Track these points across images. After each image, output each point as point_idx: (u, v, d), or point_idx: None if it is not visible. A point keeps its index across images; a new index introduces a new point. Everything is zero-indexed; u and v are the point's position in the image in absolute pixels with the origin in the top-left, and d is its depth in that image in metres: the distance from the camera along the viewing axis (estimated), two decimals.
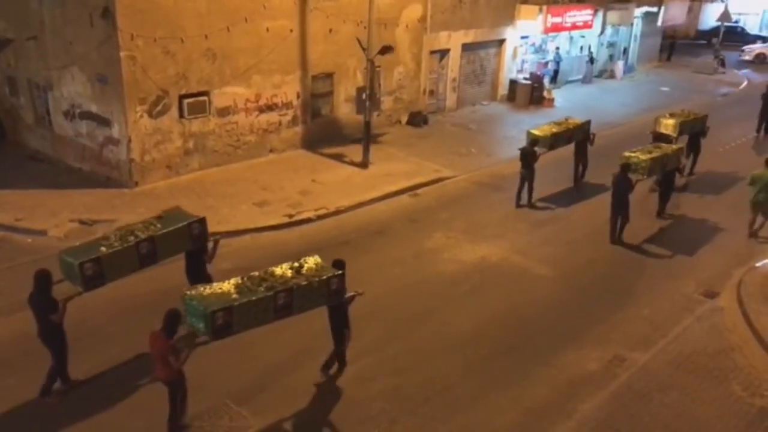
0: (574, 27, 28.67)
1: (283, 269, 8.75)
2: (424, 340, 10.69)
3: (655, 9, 34.59)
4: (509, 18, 25.79)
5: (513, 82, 26.82)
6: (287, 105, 18.78)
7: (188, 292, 8.24)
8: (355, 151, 18.70)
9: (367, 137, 18.15)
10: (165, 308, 8.24)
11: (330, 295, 8.81)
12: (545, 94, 26.68)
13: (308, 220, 14.97)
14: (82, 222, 13.97)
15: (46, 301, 8.73)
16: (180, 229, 9.81)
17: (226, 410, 8.94)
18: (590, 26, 29.57)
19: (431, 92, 23.93)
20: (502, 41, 26.12)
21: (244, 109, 17.73)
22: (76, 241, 13.31)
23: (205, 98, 16.69)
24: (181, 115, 16.36)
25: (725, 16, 35.89)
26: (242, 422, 8.76)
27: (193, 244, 10.05)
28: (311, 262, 8.94)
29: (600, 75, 32.28)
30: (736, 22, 44.58)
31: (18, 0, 16.93)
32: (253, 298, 8.13)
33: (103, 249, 9.07)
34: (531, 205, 16.26)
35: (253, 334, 8.66)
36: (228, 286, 8.31)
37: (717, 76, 34.72)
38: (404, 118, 22.61)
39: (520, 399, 9.40)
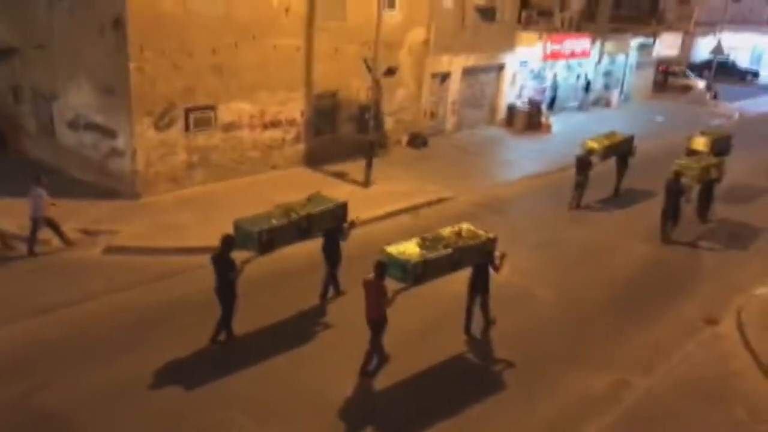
0: (573, 55, 29.17)
1: (447, 232, 10.54)
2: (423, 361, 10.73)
3: (650, 40, 35.24)
4: (510, 44, 26.17)
5: (511, 107, 27.15)
6: (291, 122, 18.91)
7: (387, 249, 9.87)
8: (356, 170, 18.81)
9: (369, 156, 18.27)
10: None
11: (485, 254, 10.55)
12: (543, 119, 27.02)
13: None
14: (86, 232, 13.95)
15: (227, 261, 10.12)
16: (329, 209, 11.40)
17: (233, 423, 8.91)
18: (588, 55, 30.09)
19: (432, 114, 24.17)
20: (502, 66, 26.49)
21: (249, 125, 17.85)
22: (80, 251, 13.40)
23: (211, 112, 16.80)
24: (187, 129, 16.45)
25: (718, 49, 36.59)
26: None
27: (336, 223, 11.53)
28: (465, 226, 10.75)
29: (596, 103, 32.75)
30: (728, 56, 45.45)
31: (26, 8, 17.04)
32: (441, 254, 9.88)
33: (273, 221, 10.60)
34: (579, 208, 18.01)
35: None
36: (413, 245, 10.02)
37: (709, 108, 35.30)
38: (404, 139, 22.79)
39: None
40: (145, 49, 15.13)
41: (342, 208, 11.62)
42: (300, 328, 11.28)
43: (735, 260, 15.50)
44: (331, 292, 12.16)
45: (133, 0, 14.62)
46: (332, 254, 11.79)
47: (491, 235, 10.67)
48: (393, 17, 20.52)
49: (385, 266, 9.61)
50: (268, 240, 10.42)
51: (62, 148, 17.43)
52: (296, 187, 17.69)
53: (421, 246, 10.01)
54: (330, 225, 11.51)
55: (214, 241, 13.73)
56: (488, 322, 11.38)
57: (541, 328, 11.91)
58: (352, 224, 11.92)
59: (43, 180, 13.43)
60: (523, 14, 26.12)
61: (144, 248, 13.64)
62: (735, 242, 16.49)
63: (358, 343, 10.21)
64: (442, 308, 11.97)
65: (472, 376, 10.40)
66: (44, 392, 9.23)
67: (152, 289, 12.20)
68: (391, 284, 9.76)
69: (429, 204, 17.76)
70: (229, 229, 10.61)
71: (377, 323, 9.80)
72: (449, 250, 10.03)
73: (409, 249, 9.91)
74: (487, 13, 24.54)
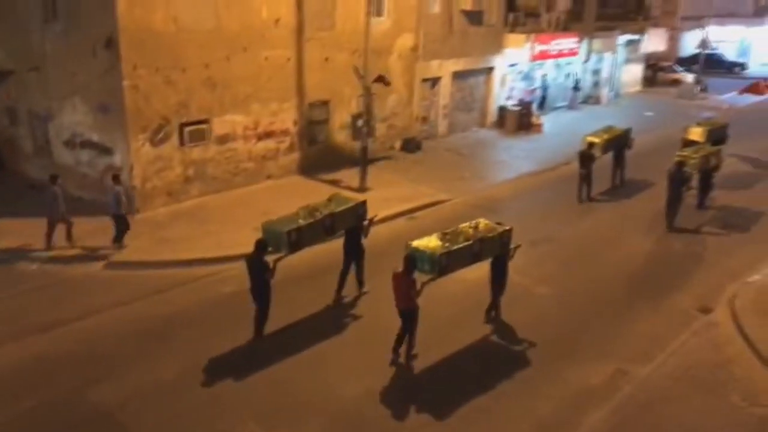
0: (561, 54, 29.45)
1: (465, 227, 11.13)
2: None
3: (637, 37, 35.59)
4: (498, 46, 26.46)
5: (502, 109, 27.39)
6: (284, 132, 19.13)
7: (413, 244, 10.44)
8: (351, 177, 19.02)
9: (363, 163, 18.48)
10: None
11: (503, 246, 11.25)
12: (533, 120, 27.28)
13: None
14: (86, 249, 14.09)
15: (261, 263, 10.50)
16: (351, 208, 11.93)
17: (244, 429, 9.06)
18: (576, 54, 30.39)
19: (423, 119, 24.41)
20: (491, 69, 26.76)
21: (243, 137, 18.05)
22: (82, 267, 13.58)
23: (205, 126, 17.01)
24: (182, 143, 16.64)
25: (705, 43, 36.95)
26: None
27: (357, 221, 11.99)
28: (482, 222, 11.36)
29: (585, 101, 33.04)
30: (715, 49, 45.82)
31: (19, 32, 17.26)
32: (461, 246, 10.47)
33: (301, 221, 11.11)
34: (590, 200, 18.67)
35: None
36: (434, 239, 10.59)
37: (698, 101, 35.60)
38: (398, 144, 23.02)
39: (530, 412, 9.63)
40: (138, 66, 15.34)
41: (362, 206, 12.15)
42: (315, 329, 11.51)
43: (731, 247, 15.76)
44: (348, 290, 12.49)
45: (125, 19, 14.87)
46: (354, 251, 12.24)
47: (507, 227, 11.32)
48: (381, 24, 20.80)
49: (414, 260, 10.11)
50: (297, 239, 10.94)
51: (59, 167, 17.52)
52: (292, 196, 17.85)
53: (443, 240, 10.56)
54: (352, 223, 12.01)
55: (212, 253, 14.07)
56: (496, 312, 11.92)
57: (540, 323, 12.07)
58: (371, 221, 12.37)
59: (59, 181, 14.00)
60: (510, 16, 26.44)
61: (144, 262, 13.81)
62: (732, 229, 16.92)
63: (376, 340, 10.65)
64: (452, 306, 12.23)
65: (472, 373, 10.54)
66: (52, 407, 9.38)
67: (154, 302, 12.39)
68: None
69: (425, 207, 17.96)
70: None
71: (408, 313, 10.26)
72: (470, 242, 10.62)
73: (432, 243, 10.47)
74: (475, 17, 24.84)
